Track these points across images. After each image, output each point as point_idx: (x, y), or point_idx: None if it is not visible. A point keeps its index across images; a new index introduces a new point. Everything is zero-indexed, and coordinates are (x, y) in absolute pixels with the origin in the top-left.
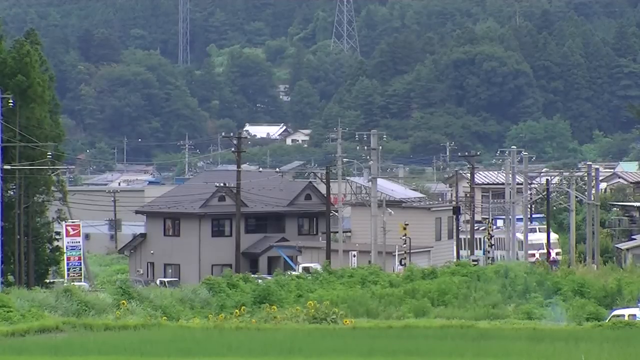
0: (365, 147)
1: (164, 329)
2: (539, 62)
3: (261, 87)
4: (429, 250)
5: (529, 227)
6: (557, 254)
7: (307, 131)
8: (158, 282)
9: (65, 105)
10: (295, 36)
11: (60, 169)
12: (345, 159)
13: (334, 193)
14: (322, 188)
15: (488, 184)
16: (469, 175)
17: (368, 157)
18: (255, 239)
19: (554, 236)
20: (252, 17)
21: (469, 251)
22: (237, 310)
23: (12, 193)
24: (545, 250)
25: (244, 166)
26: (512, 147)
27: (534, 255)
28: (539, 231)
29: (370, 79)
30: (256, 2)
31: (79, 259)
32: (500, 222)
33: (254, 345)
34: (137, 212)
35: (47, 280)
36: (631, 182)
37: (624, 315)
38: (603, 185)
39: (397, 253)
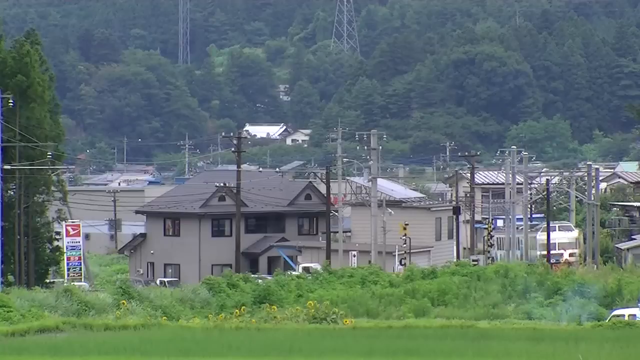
0: (365, 147)
1: (164, 329)
2: (539, 62)
3: (261, 87)
4: (429, 250)
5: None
6: (570, 254)
7: (307, 131)
8: (158, 282)
9: (65, 105)
10: (295, 36)
11: (60, 169)
12: (345, 159)
13: (334, 193)
14: (322, 188)
15: (488, 184)
16: (469, 175)
17: (368, 157)
18: (255, 239)
19: (572, 235)
20: (252, 17)
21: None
22: (237, 310)
23: (12, 193)
24: (560, 251)
25: (244, 166)
26: (512, 147)
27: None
28: (559, 229)
29: (370, 79)
30: (256, 2)
31: (79, 259)
32: (500, 222)
33: (254, 345)
34: (137, 212)
35: (47, 280)
36: (631, 182)
37: (624, 315)
38: (603, 185)
39: (397, 253)
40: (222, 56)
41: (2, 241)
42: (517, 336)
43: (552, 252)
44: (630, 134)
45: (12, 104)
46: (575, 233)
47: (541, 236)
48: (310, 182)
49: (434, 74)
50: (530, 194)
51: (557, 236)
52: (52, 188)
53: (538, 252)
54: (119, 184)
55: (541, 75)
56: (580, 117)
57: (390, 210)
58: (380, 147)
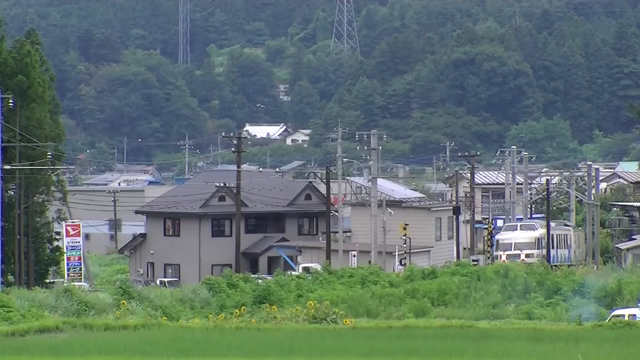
0: (365, 147)
1: (164, 329)
2: (539, 62)
3: (261, 87)
4: (429, 250)
5: (511, 224)
6: (527, 255)
7: (307, 131)
8: (158, 282)
9: (65, 105)
10: (295, 36)
11: (60, 169)
12: (345, 159)
13: (334, 193)
14: (322, 188)
15: (488, 184)
16: (469, 175)
17: (368, 157)
18: (255, 239)
19: (531, 235)
20: (252, 17)
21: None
22: (237, 310)
23: (12, 193)
24: (517, 251)
25: (244, 166)
26: (512, 147)
27: (500, 257)
28: (520, 229)
29: (370, 79)
30: (256, 2)
31: (79, 259)
32: (500, 222)
33: (254, 345)
34: (137, 212)
35: (47, 280)
36: (631, 182)
37: (624, 315)
38: (603, 185)
39: (397, 253)
40: (222, 56)
41: (2, 241)
42: (517, 336)
43: (508, 252)
44: (630, 134)
45: (12, 104)
46: (536, 233)
47: (501, 236)
48: (310, 182)
49: (434, 74)
50: (530, 194)
51: (515, 236)
52: (52, 188)
53: (496, 253)
54: (119, 184)
55: (541, 75)
56: (580, 117)
57: (390, 210)
58: (380, 147)
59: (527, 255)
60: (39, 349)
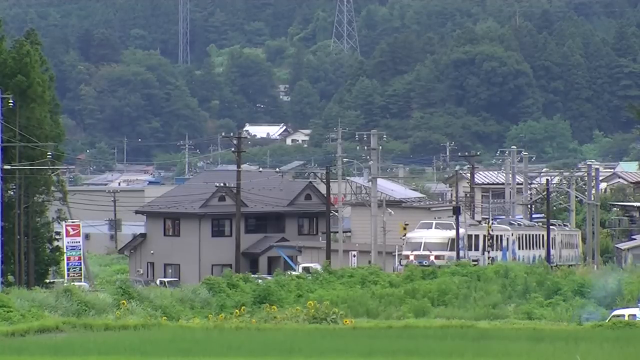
0: (365, 147)
1: (164, 329)
2: (539, 62)
3: (261, 87)
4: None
5: (426, 222)
6: (437, 257)
7: (307, 131)
8: (158, 282)
9: (65, 105)
10: (295, 36)
11: (60, 169)
12: (345, 159)
13: (334, 193)
14: (322, 188)
15: (488, 184)
16: (469, 175)
17: (368, 157)
18: (255, 239)
19: (444, 234)
20: (252, 17)
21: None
22: (237, 310)
23: (12, 193)
24: (425, 252)
25: (244, 166)
26: (512, 147)
27: (408, 257)
28: (436, 228)
29: (370, 79)
30: (256, 2)
31: (79, 259)
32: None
33: (254, 345)
34: (137, 212)
35: (47, 280)
36: (631, 182)
37: (624, 315)
38: (603, 185)
39: (397, 253)
40: (222, 56)
41: (2, 241)
42: (517, 336)
43: (417, 252)
44: (630, 134)
45: (12, 104)
46: (450, 233)
47: (411, 234)
48: (310, 182)
49: (434, 74)
50: (530, 194)
51: (426, 235)
52: (52, 188)
53: (404, 253)
54: (119, 184)
55: (541, 75)
56: (580, 117)
57: (390, 210)
58: (380, 147)
59: (436, 257)
60: (39, 349)
